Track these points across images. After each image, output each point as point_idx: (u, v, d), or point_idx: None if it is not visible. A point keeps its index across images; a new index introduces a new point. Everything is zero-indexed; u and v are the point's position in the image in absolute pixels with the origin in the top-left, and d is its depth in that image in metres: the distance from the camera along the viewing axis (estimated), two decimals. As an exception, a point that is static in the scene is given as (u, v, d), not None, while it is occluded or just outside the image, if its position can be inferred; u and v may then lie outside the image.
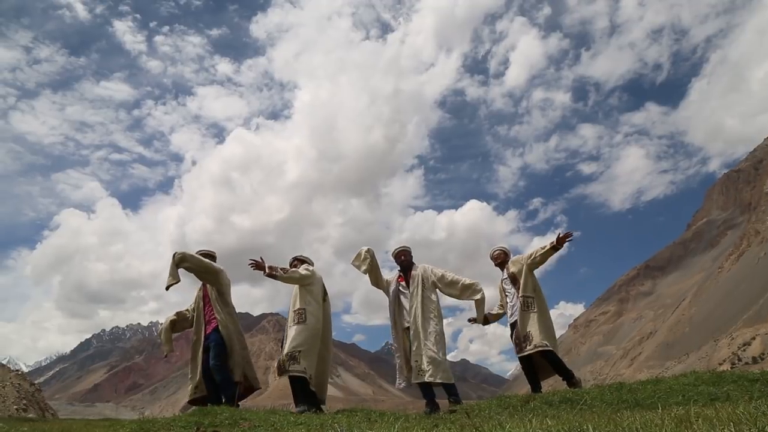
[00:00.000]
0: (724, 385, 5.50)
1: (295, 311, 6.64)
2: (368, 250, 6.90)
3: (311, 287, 6.73)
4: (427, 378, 6.28)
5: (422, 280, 6.83)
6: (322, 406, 6.51)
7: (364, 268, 6.92)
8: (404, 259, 7.06)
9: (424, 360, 6.37)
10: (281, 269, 6.53)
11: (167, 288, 6.43)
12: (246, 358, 6.84)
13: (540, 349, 6.73)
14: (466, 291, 6.73)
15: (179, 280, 6.46)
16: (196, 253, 6.83)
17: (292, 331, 6.48)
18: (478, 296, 6.68)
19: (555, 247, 6.90)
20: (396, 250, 7.14)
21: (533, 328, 6.84)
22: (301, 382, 6.26)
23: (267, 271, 6.37)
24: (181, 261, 6.48)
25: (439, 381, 6.30)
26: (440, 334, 6.58)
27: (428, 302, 6.72)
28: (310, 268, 6.87)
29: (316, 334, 6.53)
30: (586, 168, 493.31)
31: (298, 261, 7.07)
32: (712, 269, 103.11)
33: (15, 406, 31.23)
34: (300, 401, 6.19)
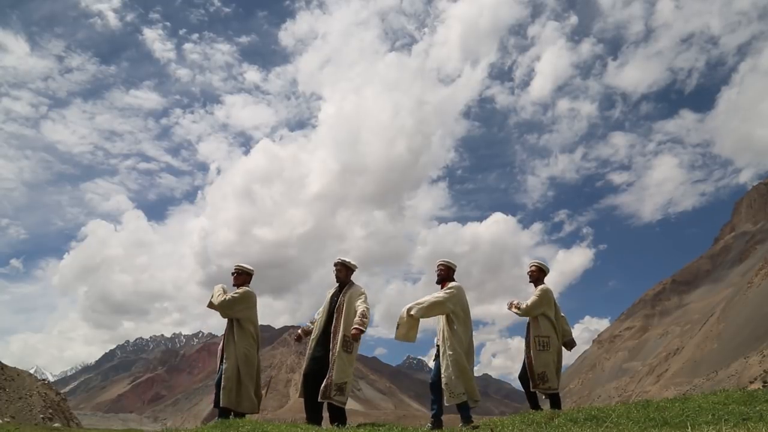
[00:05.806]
0: (757, 404, 5.35)
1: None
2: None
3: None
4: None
5: None
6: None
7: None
8: (441, 273, 6.64)
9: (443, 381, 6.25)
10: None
11: None
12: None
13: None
14: None
15: None
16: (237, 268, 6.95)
17: (341, 359, 6.10)
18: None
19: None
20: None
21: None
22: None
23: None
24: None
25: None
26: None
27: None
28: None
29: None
30: (617, 178, 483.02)
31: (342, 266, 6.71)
32: (741, 284, 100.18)
33: (41, 415, 31.68)
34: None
